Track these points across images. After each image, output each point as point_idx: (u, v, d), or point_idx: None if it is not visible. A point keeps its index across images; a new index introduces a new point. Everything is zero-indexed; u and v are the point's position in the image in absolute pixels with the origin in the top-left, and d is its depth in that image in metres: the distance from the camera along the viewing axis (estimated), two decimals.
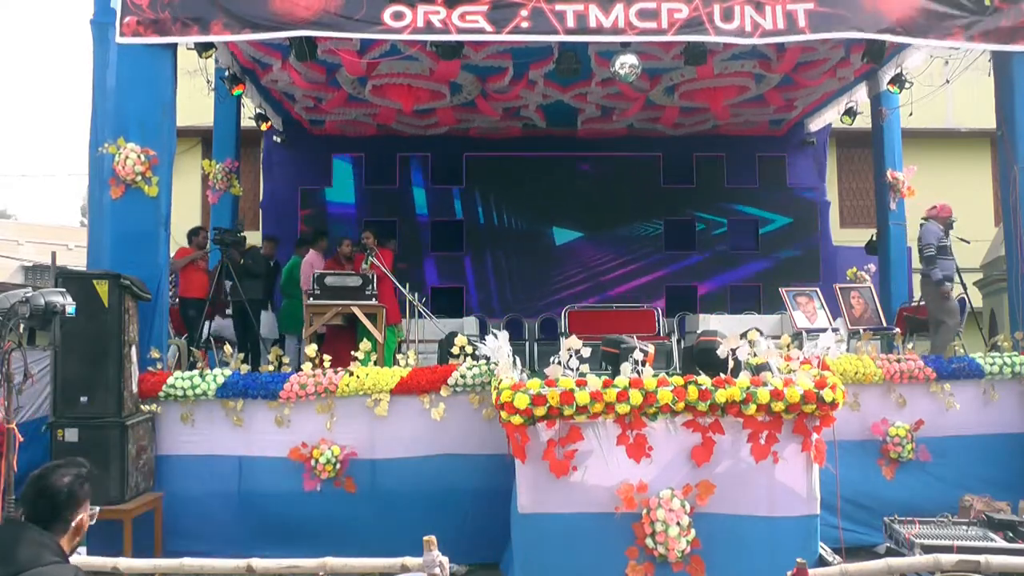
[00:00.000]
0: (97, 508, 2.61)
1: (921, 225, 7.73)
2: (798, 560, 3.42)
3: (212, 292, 8.49)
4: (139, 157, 6.53)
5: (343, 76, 9.41)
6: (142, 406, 6.18)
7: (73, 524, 2.50)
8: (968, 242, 8.89)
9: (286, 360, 6.74)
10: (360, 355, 6.39)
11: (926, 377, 6.74)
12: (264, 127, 10.99)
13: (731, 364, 5.24)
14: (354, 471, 6.20)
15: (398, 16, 6.64)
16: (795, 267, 12.22)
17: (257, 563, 3.41)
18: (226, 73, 8.96)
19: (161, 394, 6.25)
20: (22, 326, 4.77)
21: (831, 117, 11.38)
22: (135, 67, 6.64)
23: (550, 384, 5.02)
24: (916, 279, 9.78)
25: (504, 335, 5.78)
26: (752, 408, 4.98)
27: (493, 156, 12.41)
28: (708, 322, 9.73)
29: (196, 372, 6.34)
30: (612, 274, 12.44)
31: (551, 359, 5.21)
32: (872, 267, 9.59)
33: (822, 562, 4.92)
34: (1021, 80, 7.35)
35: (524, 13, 6.65)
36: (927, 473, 6.66)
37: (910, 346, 7.41)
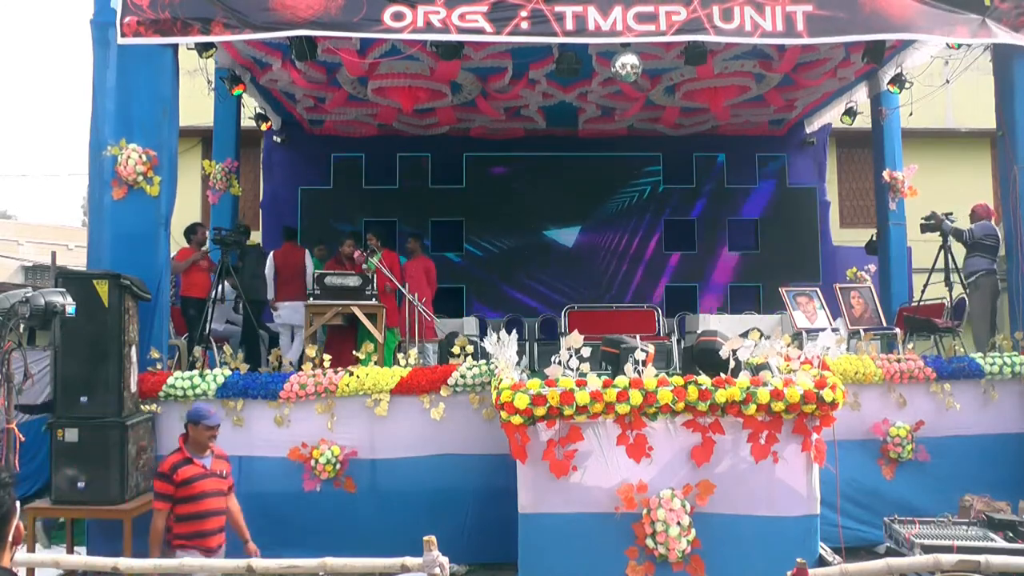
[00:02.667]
0: (18, 505, 2.52)
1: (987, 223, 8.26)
2: (798, 560, 3.42)
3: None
4: (140, 157, 6.53)
5: (343, 76, 9.41)
6: (142, 406, 6.18)
7: (10, 538, 2.43)
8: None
9: (286, 360, 6.74)
10: (360, 355, 6.39)
11: (926, 377, 6.74)
12: (264, 127, 11.00)
13: (731, 364, 5.24)
14: (354, 471, 6.20)
15: (398, 16, 6.64)
16: (795, 267, 12.23)
17: (257, 563, 3.41)
18: (226, 73, 8.97)
19: (161, 394, 6.25)
20: (22, 326, 4.78)
21: (831, 117, 11.38)
22: (135, 67, 6.64)
23: (550, 384, 5.02)
24: (918, 279, 9.82)
25: (512, 337, 5.78)
26: (752, 408, 4.98)
27: (493, 156, 12.42)
28: (708, 322, 9.73)
29: (196, 372, 6.35)
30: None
31: (552, 359, 5.21)
32: (872, 267, 9.59)
33: (822, 562, 4.93)
34: (1021, 80, 7.36)
35: (524, 14, 6.65)
36: (926, 473, 6.66)
37: (910, 346, 7.41)
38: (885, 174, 9.91)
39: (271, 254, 9.50)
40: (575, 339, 5.12)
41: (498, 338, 5.70)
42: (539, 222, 12.46)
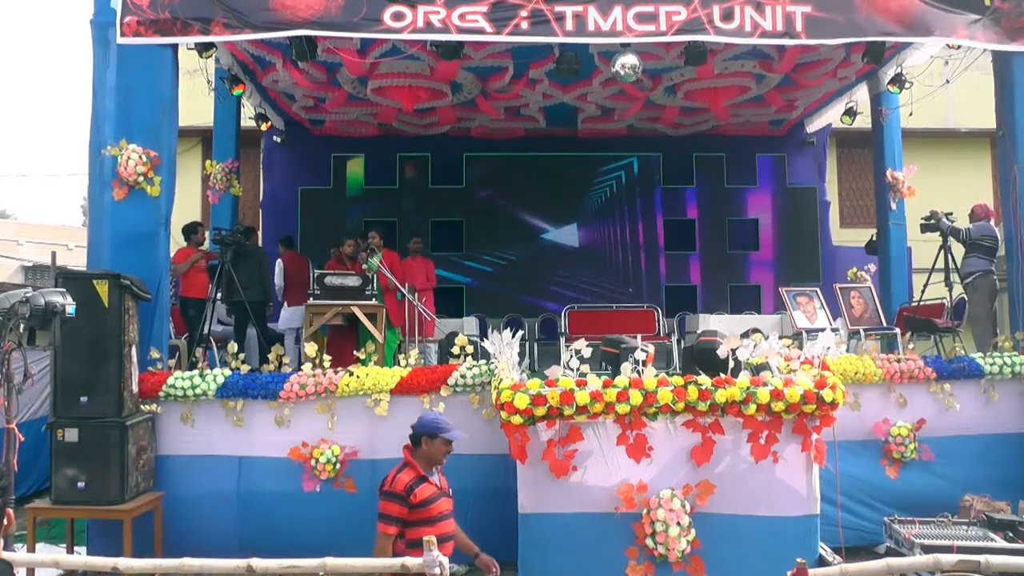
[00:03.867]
0: (12, 496, 2.54)
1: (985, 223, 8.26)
2: (798, 560, 3.41)
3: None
4: (141, 158, 6.52)
5: (344, 76, 9.41)
6: (142, 406, 6.18)
7: (2, 523, 2.44)
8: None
9: (286, 360, 6.74)
10: (361, 355, 6.39)
11: (926, 377, 6.73)
12: (264, 127, 11.00)
13: (731, 364, 5.24)
14: (354, 471, 6.20)
15: (398, 16, 6.63)
16: (795, 267, 12.24)
17: (257, 563, 3.40)
18: (226, 73, 8.96)
19: (161, 394, 6.24)
20: (22, 326, 4.77)
21: (831, 117, 11.38)
22: (135, 67, 6.62)
23: (550, 384, 5.03)
24: (918, 279, 9.83)
25: (514, 336, 5.77)
26: (752, 408, 4.98)
27: (493, 156, 12.42)
28: (708, 322, 9.74)
29: (196, 372, 6.34)
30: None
31: (562, 363, 5.21)
32: (872, 267, 9.59)
33: (822, 562, 4.93)
34: (1021, 80, 7.34)
35: (524, 14, 6.65)
36: (930, 473, 6.65)
37: (911, 346, 7.41)
38: (887, 174, 9.91)
39: (280, 260, 9.60)
40: (580, 346, 5.14)
41: (501, 338, 5.71)
42: (539, 221, 12.47)
